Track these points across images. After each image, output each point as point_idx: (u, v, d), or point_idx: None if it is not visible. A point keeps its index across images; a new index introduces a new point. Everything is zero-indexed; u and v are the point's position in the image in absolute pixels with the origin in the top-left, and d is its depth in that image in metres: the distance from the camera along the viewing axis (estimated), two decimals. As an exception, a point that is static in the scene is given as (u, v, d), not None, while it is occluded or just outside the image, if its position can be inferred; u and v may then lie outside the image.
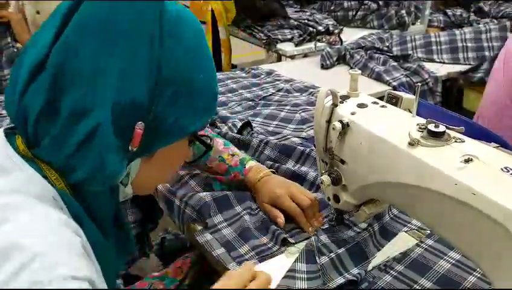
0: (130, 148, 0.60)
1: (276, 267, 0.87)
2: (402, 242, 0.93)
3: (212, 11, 2.67)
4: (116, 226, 0.70)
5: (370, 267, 0.87)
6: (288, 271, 0.86)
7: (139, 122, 0.59)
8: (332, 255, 0.87)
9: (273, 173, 1.06)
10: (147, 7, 0.60)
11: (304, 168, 1.13)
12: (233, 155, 1.07)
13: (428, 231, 0.94)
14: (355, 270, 0.85)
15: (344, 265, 0.87)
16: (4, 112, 1.54)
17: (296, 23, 2.60)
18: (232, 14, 2.68)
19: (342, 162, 0.83)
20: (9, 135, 0.63)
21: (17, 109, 0.60)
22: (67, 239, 0.54)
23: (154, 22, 0.60)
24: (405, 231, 0.96)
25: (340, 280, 0.82)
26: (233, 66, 2.96)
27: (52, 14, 0.61)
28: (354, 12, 2.85)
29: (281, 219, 0.96)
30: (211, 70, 0.68)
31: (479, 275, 0.83)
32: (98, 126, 0.57)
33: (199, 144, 0.78)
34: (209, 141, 0.72)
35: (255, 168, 1.05)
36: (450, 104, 2.15)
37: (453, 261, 0.87)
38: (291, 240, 0.93)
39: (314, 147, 0.95)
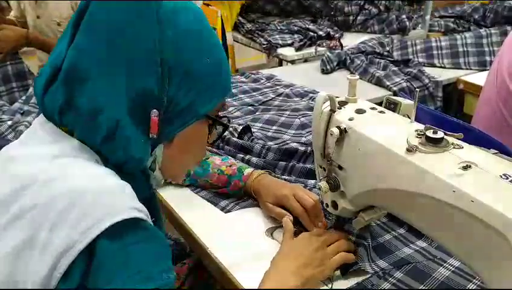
0: (150, 135, 0.65)
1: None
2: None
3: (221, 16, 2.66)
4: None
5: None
6: None
7: (153, 110, 0.64)
8: (369, 242, 0.90)
9: (270, 174, 1.08)
10: (144, 4, 0.64)
11: (311, 165, 1.15)
12: (231, 166, 1.08)
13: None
14: (383, 263, 0.88)
15: (372, 258, 0.89)
16: (4, 116, 1.55)
17: (296, 28, 2.60)
18: (233, 20, 2.68)
19: (340, 168, 0.82)
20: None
21: (43, 110, 0.66)
22: (122, 183, 0.61)
23: (151, 14, 0.64)
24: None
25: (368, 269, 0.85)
26: (235, 71, 2.97)
27: (70, 21, 0.66)
28: (354, 17, 2.85)
29: (289, 216, 0.95)
30: (218, 53, 0.71)
31: (478, 283, 0.82)
32: (116, 121, 0.62)
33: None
34: (226, 121, 0.77)
35: (253, 173, 1.06)
36: (450, 109, 2.14)
37: (453, 269, 0.86)
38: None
39: (313, 152, 0.94)
